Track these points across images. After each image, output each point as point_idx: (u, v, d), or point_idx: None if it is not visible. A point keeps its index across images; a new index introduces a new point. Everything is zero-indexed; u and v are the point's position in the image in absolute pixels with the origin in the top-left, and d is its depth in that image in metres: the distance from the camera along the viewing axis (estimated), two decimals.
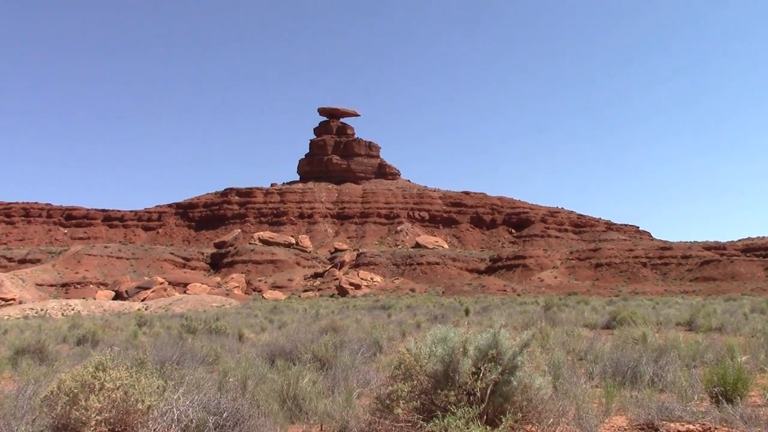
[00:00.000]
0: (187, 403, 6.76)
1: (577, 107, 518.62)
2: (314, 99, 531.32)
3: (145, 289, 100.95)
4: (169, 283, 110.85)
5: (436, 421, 5.97)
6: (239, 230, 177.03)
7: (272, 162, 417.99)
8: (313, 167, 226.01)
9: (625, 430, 7.09)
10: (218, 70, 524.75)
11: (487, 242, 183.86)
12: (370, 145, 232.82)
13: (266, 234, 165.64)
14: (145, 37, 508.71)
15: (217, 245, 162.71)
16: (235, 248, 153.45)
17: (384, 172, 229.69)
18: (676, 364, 9.96)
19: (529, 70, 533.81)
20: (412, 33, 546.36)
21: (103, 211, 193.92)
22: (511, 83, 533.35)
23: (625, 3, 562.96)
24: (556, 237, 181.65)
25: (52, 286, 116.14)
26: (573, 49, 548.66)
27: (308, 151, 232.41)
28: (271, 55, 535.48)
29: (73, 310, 58.86)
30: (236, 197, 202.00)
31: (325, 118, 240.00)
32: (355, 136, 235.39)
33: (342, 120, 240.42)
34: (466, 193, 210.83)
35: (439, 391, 6.34)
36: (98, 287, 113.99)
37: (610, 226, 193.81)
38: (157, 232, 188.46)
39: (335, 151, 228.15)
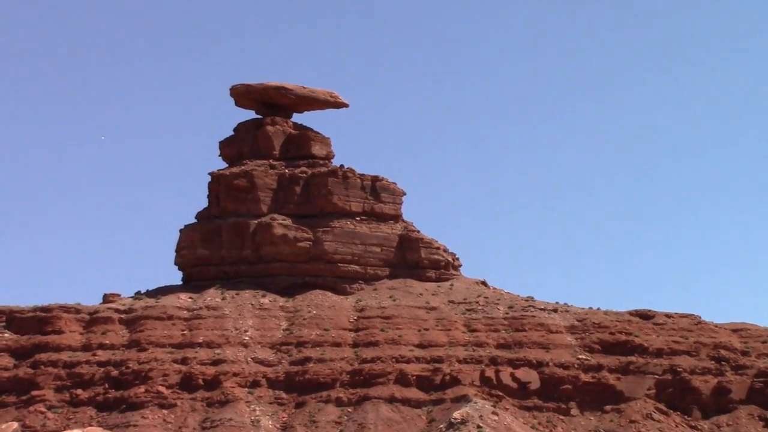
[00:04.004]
0: None
1: None
2: (225, 72, 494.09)
3: None
4: None
5: None
6: (16, 425, 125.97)
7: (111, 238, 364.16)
8: (217, 247, 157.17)
9: None
10: None
11: None
12: (375, 187, 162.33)
13: None
14: None
15: None
16: None
17: (414, 260, 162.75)
18: None
19: None
20: None
21: None
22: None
23: None
24: None
25: None
26: None
27: (208, 203, 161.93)
28: None
29: None
30: (10, 336, 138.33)
31: (251, 113, 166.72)
32: (334, 164, 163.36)
33: (296, 117, 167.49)
34: (646, 316, 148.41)
35: None
36: None
37: None
38: None
39: (285, 198, 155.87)
